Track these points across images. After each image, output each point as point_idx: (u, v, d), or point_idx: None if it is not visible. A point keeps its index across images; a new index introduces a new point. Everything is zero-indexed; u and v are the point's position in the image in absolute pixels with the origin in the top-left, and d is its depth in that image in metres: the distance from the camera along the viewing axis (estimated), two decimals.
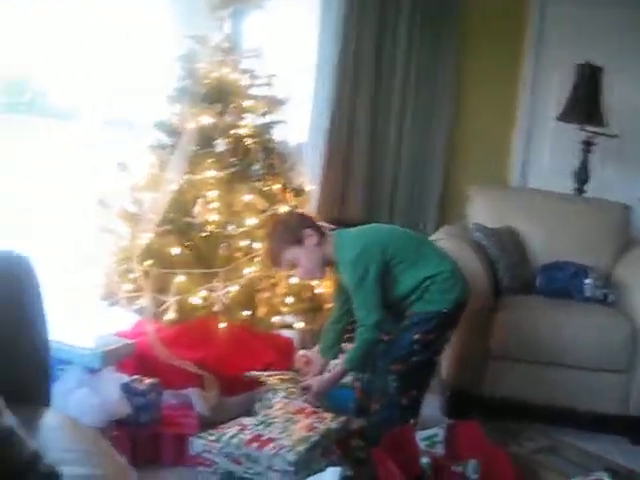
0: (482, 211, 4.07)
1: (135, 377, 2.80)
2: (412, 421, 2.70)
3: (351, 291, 2.65)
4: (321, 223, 2.87)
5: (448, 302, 2.70)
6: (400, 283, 2.67)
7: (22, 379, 1.74)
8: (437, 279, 2.69)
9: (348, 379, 3.20)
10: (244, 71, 3.32)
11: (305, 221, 2.75)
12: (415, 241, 2.83)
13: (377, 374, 2.73)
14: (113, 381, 2.71)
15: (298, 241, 2.65)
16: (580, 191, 4.53)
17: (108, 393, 2.64)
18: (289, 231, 2.68)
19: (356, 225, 2.89)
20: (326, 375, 2.72)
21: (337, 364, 2.82)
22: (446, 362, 3.45)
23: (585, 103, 4.42)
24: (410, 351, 2.64)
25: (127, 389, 2.71)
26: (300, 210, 3.08)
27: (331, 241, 2.70)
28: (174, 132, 3.22)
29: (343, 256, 2.64)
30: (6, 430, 1.24)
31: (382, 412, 2.66)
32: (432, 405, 3.45)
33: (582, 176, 4.55)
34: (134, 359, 2.91)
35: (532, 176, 4.95)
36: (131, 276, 3.08)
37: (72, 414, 2.50)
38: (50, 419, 1.72)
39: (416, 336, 2.64)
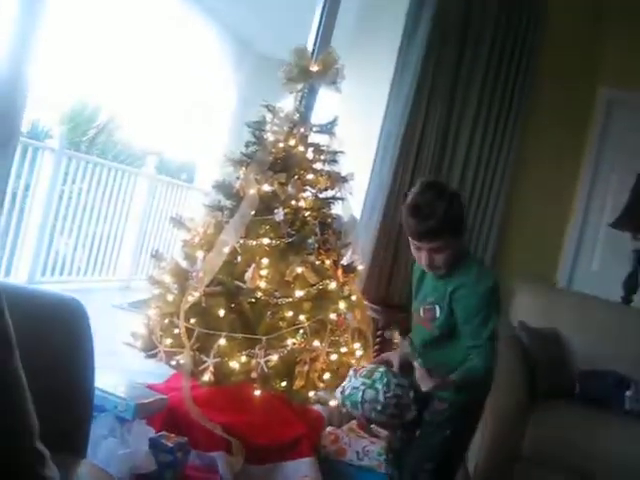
0: (527, 308, 4.06)
1: (163, 433, 2.80)
2: None
3: (470, 317, 2.37)
4: None
5: (481, 390, 2.53)
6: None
7: (64, 426, 1.75)
8: None
9: (374, 462, 3.18)
10: (311, 145, 3.38)
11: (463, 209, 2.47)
12: None
13: (406, 470, 2.59)
14: (142, 434, 2.71)
15: (460, 232, 2.42)
16: (627, 300, 4.47)
17: (136, 446, 2.63)
18: (460, 218, 2.41)
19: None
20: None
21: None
22: (475, 458, 3.40)
23: None
24: (442, 449, 2.49)
25: (155, 444, 2.70)
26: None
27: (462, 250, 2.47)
28: (234, 195, 3.27)
29: (477, 279, 2.40)
30: None
31: None
32: None
33: (631, 285, 4.49)
34: (164, 414, 2.91)
35: (579, 279, 4.91)
36: (174, 331, 3.09)
37: (99, 461, 2.52)
38: (85, 472, 1.73)
39: (448, 432, 2.48)
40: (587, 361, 3.86)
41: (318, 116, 3.57)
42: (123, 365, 4.21)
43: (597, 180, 4.91)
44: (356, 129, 4.20)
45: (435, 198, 2.37)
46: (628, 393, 3.64)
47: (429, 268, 2.46)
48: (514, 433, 3.32)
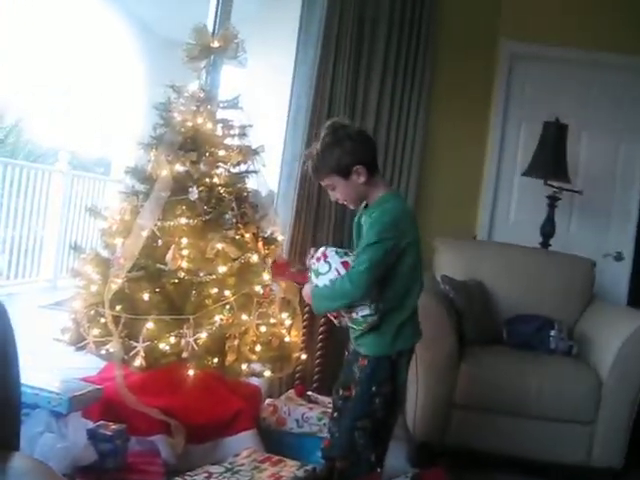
0: (449, 263, 4.15)
1: (101, 422, 2.79)
2: (379, 470, 2.69)
3: (363, 241, 2.51)
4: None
5: (396, 346, 2.58)
6: (387, 286, 2.54)
7: None
8: (405, 313, 2.58)
9: (315, 428, 3.23)
10: (219, 121, 3.37)
11: (363, 154, 2.54)
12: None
13: (342, 431, 2.65)
14: (79, 426, 2.70)
15: (345, 174, 2.51)
16: (546, 245, 4.61)
17: (74, 439, 2.63)
18: (341, 160, 2.50)
19: None
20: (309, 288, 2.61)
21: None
22: (412, 412, 3.49)
23: (550, 159, 4.53)
24: (372, 406, 2.56)
25: (93, 435, 2.69)
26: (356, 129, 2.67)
27: (378, 187, 2.58)
28: (147, 179, 3.25)
29: (382, 212, 2.51)
30: None
31: (351, 471, 2.59)
32: (398, 455, 3.46)
33: (548, 230, 4.63)
34: (100, 404, 2.90)
35: (498, 230, 5.02)
36: (100, 321, 3.07)
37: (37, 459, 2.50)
38: (20, 464, 1.71)
39: (374, 388, 2.56)
40: (512, 307, 3.99)
41: (227, 92, 3.56)
42: (55, 364, 4.16)
43: (507, 131, 5.02)
44: (267, 101, 4.20)
45: (318, 140, 2.57)
46: (552, 333, 3.78)
47: (342, 203, 2.66)
48: (446, 383, 3.42)
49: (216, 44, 3.43)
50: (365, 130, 2.80)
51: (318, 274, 2.56)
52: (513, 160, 5.02)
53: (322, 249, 2.60)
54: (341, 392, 2.72)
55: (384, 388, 2.57)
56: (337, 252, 2.56)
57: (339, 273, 2.51)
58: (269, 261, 3.21)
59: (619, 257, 4.96)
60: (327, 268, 2.53)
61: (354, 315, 2.54)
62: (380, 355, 2.58)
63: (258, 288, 3.17)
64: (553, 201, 4.62)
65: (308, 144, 4.22)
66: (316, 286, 2.57)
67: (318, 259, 2.57)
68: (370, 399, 2.57)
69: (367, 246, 2.48)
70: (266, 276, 3.16)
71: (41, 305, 5.83)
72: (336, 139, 2.53)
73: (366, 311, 2.51)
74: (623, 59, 4.86)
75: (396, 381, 2.60)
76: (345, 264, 2.52)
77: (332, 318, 2.69)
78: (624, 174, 5.00)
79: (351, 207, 2.68)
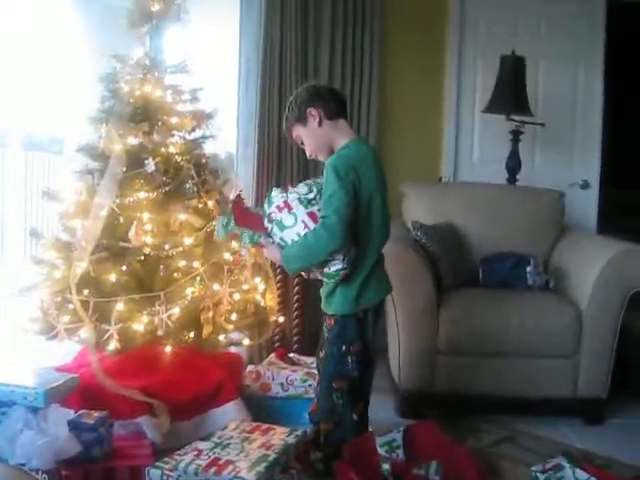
0: (418, 208, 4.10)
1: (82, 411, 2.71)
2: (370, 429, 2.65)
3: (325, 190, 2.43)
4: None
5: (361, 304, 2.52)
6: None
7: None
8: (366, 267, 2.51)
9: (300, 390, 3.19)
10: (168, 87, 3.25)
11: (315, 97, 2.58)
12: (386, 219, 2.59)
13: (321, 393, 2.61)
14: (59, 418, 2.61)
15: (302, 120, 2.57)
16: (512, 180, 4.57)
17: (56, 432, 2.54)
18: (295, 107, 2.59)
19: None
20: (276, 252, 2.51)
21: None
22: (395, 362, 3.46)
23: (510, 93, 4.45)
24: (345, 366, 2.53)
25: (75, 425, 2.61)
26: (319, 84, 2.77)
27: (343, 136, 2.56)
28: (100, 156, 3.13)
29: (336, 157, 2.49)
30: None
31: (336, 433, 2.55)
32: (386, 407, 3.46)
33: (513, 165, 4.59)
34: (79, 392, 2.82)
35: (463, 170, 4.97)
36: (69, 307, 2.97)
37: (19, 458, 2.43)
38: None
39: (344, 348, 2.52)
40: (485, 247, 3.95)
41: (176, 57, 3.42)
42: (27, 354, 4.06)
43: (463, 68, 4.93)
44: (216, 61, 4.05)
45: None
46: (529, 269, 3.74)
47: (313, 157, 2.65)
48: (427, 329, 3.38)
49: (156, 7, 3.29)
50: (332, 87, 2.86)
51: (283, 227, 2.44)
52: (472, 98, 4.95)
53: (283, 197, 2.47)
54: (321, 354, 2.66)
55: (355, 347, 2.53)
56: (301, 200, 2.45)
57: (307, 226, 2.42)
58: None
59: (585, 185, 4.95)
60: (293, 221, 2.43)
61: (326, 270, 2.46)
62: (346, 314, 2.52)
63: (227, 255, 3.09)
64: (516, 135, 4.57)
65: (262, 105, 4.12)
66: (285, 245, 2.47)
67: (280, 208, 2.46)
68: (342, 359, 2.53)
69: (329, 196, 2.39)
70: (234, 242, 3.08)
71: (5, 294, 5.68)
72: (296, 94, 2.64)
73: (338, 265, 2.43)
74: None
75: (365, 338, 2.56)
76: (311, 215, 2.42)
77: (302, 273, 2.61)
78: (584, 102, 4.95)
79: (320, 159, 2.60)
